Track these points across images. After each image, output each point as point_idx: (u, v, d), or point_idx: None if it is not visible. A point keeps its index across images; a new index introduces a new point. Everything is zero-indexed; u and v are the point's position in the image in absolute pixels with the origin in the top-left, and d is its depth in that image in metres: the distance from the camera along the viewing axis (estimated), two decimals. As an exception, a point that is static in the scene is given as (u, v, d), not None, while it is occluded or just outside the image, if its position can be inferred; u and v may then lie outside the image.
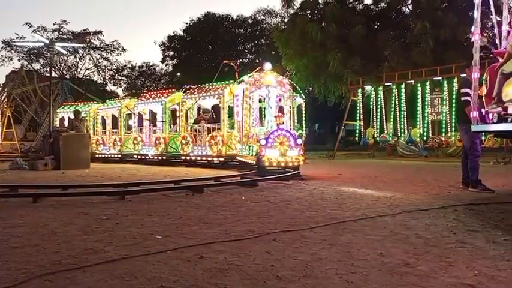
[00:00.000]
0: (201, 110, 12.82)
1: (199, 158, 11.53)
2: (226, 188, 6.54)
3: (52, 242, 3.22)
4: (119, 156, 14.48)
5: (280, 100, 10.22)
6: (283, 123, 8.94)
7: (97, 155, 14.87)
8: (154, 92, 14.51)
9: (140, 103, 13.95)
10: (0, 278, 2.40)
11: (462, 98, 6.11)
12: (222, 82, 11.74)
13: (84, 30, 34.44)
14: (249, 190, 6.36)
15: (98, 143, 15.36)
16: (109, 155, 14.83)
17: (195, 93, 12.24)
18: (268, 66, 9.77)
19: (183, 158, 12.11)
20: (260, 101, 11.02)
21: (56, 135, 11.57)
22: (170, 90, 13.60)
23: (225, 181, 7.20)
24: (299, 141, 8.56)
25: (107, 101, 16.82)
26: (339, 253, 2.87)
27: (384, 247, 3.00)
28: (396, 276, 2.39)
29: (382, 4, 21.86)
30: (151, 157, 13.18)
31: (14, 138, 22.91)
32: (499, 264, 2.61)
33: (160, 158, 12.93)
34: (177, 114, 12.88)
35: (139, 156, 13.71)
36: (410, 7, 21.39)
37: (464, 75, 6.98)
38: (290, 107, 10.09)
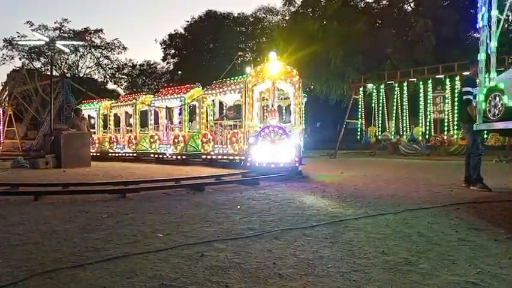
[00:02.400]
0: (226, 107, 12.06)
1: (219, 157, 10.75)
2: (227, 186, 6.53)
3: (53, 240, 3.22)
4: (134, 155, 13.76)
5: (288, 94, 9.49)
6: (276, 119, 8.41)
7: (110, 154, 14.46)
8: (172, 88, 13.69)
9: (157, 99, 13.23)
10: (1, 275, 2.39)
11: (464, 97, 6.10)
12: (241, 76, 10.84)
13: (85, 28, 34.48)
14: (249, 188, 6.35)
15: (111, 141, 14.71)
16: (123, 154, 14.16)
17: (216, 88, 11.39)
18: (273, 55, 8.91)
19: (203, 156, 11.31)
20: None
21: (57, 133, 11.57)
22: (189, 86, 12.77)
23: (226, 179, 7.19)
24: (293, 139, 7.98)
25: (120, 97, 16.29)
26: (341, 251, 2.85)
27: (386, 245, 2.99)
28: (398, 274, 2.38)
29: (384, 2, 21.82)
30: (170, 156, 12.44)
31: (15, 137, 22.95)
32: (501, 262, 2.59)
33: (179, 157, 12.11)
34: (197, 111, 12.16)
35: (156, 155, 12.90)
36: (412, 5, 21.35)
37: (467, 73, 6.95)
38: (298, 102, 9.17)
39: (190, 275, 2.38)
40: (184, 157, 12.02)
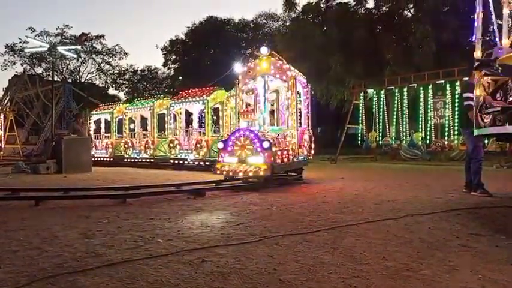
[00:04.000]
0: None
1: None
2: (227, 192, 6.53)
3: (54, 245, 3.22)
4: (151, 160, 13.12)
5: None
6: (253, 121, 7.63)
7: (126, 159, 13.90)
8: (193, 90, 12.79)
9: (176, 102, 12.56)
10: (2, 281, 2.39)
11: (465, 102, 6.11)
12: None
13: (82, 32, 34.58)
14: (250, 194, 6.34)
15: (126, 146, 14.03)
16: (139, 160, 13.50)
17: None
18: (264, 50, 8.02)
19: None
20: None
21: (58, 138, 11.60)
22: (212, 88, 12.24)
23: (226, 185, 7.19)
24: (265, 144, 6.87)
25: (136, 100, 15.83)
26: (342, 257, 2.85)
27: (387, 251, 2.98)
28: (399, 280, 2.37)
29: (384, 8, 21.90)
30: (191, 162, 11.78)
31: (16, 142, 22.98)
32: (502, 268, 2.59)
33: (202, 163, 11.44)
34: (220, 114, 11.78)
35: (175, 161, 12.21)
36: (412, 11, 21.42)
37: (467, 78, 6.97)
38: (289, 101, 8.04)
39: (191, 281, 2.38)
40: (207, 163, 11.23)
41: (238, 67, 8.50)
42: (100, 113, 15.93)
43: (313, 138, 9.10)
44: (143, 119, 14.09)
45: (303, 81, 8.83)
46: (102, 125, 15.69)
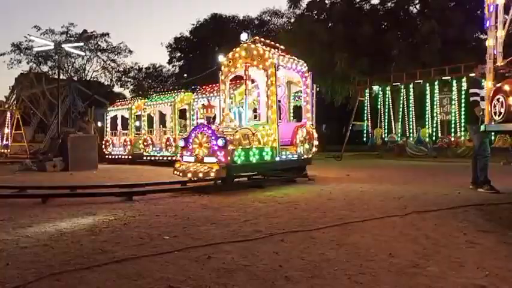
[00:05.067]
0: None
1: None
2: (232, 189, 6.53)
3: (61, 242, 3.24)
4: (174, 159, 12.43)
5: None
6: (214, 117, 7.08)
7: (145, 157, 13.40)
8: (217, 84, 12.46)
9: (200, 97, 11.97)
10: (10, 277, 2.41)
11: (471, 98, 6.08)
12: None
13: (91, 32, 34.74)
14: (255, 190, 6.35)
15: (145, 143, 13.48)
16: (160, 157, 12.98)
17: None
18: (243, 36, 7.35)
19: None
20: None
21: (64, 136, 11.67)
22: (238, 82, 11.30)
23: (237, 180, 7.19)
24: (220, 142, 6.18)
25: (154, 95, 15.31)
26: (348, 254, 2.84)
27: (393, 248, 2.97)
28: (406, 277, 2.36)
29: (389, 4, 21.76)
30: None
31: (23, 140, 23.12)
32: (510, 264, 2.57)
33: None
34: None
35: None
36: (417, 6, 21.27)
37: (473, 74, 6.92)
38: (271, 93, 7.15)
39: (197, 277, 2.39)
40: None
41: (221, 57, 7.81)
42: (117, 109, 15.35)
43: (315, 135, 8.36)
44: (162, 115, 13.58)
45: (300, 69, 8.11)
46: (119, 122, 15.13)
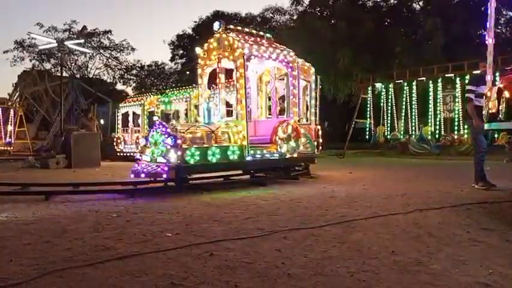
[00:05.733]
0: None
1: None
2: (235, 187, 6.54)
3: (64, 239, 3.25)
4: None
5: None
6: (174, 113, 6.81)
7: None
8: (232, 80, 11.97)
9: (216, 93, 11.55)
10: (13, 273, 2.42)
11: (466, 95, 6.20)
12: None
13: (94, 30, 34.77)
14: (259, 188, 6.35)
15: None
16: None
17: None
18: (216, 25, 6.88)
19: None
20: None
21: (67, 134, 11.71)
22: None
23: (234, 179, 7.20)
24: (169, 140, 5.90)
25: (168, 91, 15.00)
26: (350, 251, 2.84)
27: (396, 245, 2.97)
28: (408, 274, 2.36)
29: (392, 1, 21.69)
30: None
31: (26, 137, 23.19)
32: (514, 263, 2.56)
33: None
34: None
35: None
36: (420, 3, 21.20)
37: (477, 71, 6.95)
38: (241, 86, 6.63)
39: (199, 274, 2.39)
40: None
41: (197, 49, 7.39)
42: (128, 106, 15.04)
43: (302, 131, 7.58)
44: (176, 112, 13.07)
45: (284, 59, 7.48)
46: (130, 118, 14.83)
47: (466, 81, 13.77)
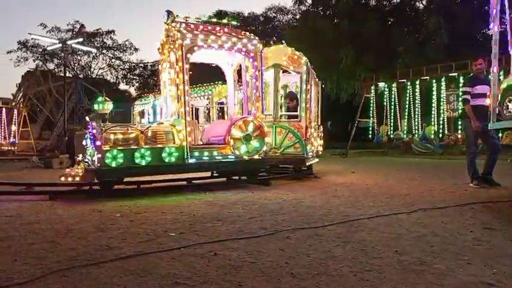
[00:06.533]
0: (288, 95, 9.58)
1: None
2: (238, 186, 6.54)
3: (68, 239, 3.27)
4: None
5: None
6: (105, 113, 6.22)
7: None
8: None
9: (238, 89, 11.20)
10: (17, 273, 2.43)
11: (462, 96, 6.34)
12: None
13: (97, 30, 34.89)
14: (261, 187, 6.35)
15: None
16: None
17: None
18: (164, 16, 6.28)
19: None
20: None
21: (70, 133, 11.75)
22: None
23: (236, 178, 7.20)
24: (89, 142, 5.72)
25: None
26: (354, 251, 2.84)
27: (400, 245, 2.96)
28: (412, 274, 2.35)
29: (395, 0, 21.63)
30: None
31: (29, 137, 23.30)
32: (518, 262, 2.55)
33: None
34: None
35: None
36: (424, 2, 21.13)
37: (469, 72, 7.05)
38: (180, 81, 6.02)
39: (203, 274, 2.39)
40: None
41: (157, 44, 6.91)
42: (145, 103, 14.70)
43: (265, 129, 6.65)
44: (194, 110, 12.67)
45: (242, 48, 6.61)
46: (146, 116, 14.41)
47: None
